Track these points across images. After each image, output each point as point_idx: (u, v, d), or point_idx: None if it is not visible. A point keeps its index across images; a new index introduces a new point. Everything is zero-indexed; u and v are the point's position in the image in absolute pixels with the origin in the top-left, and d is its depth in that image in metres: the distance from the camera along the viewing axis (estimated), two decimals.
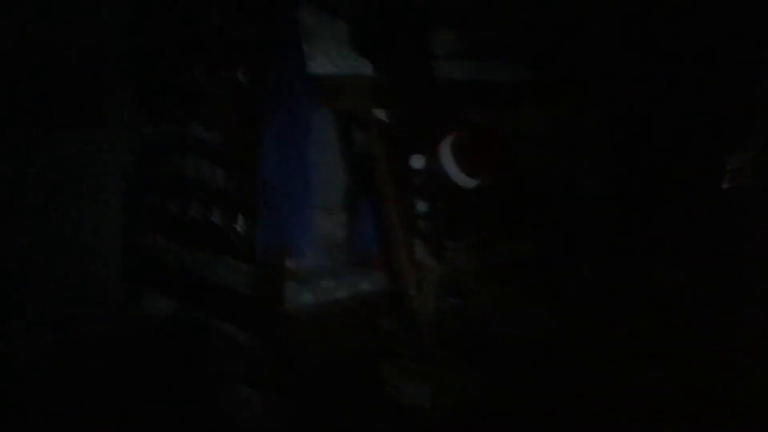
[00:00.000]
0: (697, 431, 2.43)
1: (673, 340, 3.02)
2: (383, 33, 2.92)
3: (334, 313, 2.86)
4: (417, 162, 2.73)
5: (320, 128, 3.24)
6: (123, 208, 3.25)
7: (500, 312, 3.10)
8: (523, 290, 3.26)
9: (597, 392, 2.67)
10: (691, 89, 3.49)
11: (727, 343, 2.86)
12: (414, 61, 3.04)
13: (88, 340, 2.95)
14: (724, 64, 3.35)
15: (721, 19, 3.32)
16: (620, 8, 3.64)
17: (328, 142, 3.43)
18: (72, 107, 3.10)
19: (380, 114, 3.01)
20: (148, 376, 2.72)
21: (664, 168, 3.61)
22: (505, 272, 3.25)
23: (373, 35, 2.88)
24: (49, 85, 3.03)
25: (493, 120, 3.55)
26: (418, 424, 2.61)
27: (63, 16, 3.03)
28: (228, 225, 2.83)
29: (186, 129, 3.10)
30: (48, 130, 3.05)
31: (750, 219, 3.22)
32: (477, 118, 2.90)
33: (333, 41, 2.79)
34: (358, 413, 2.61)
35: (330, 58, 2.78)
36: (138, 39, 3.21)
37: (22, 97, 2.97)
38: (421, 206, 2.90)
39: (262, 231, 2.63)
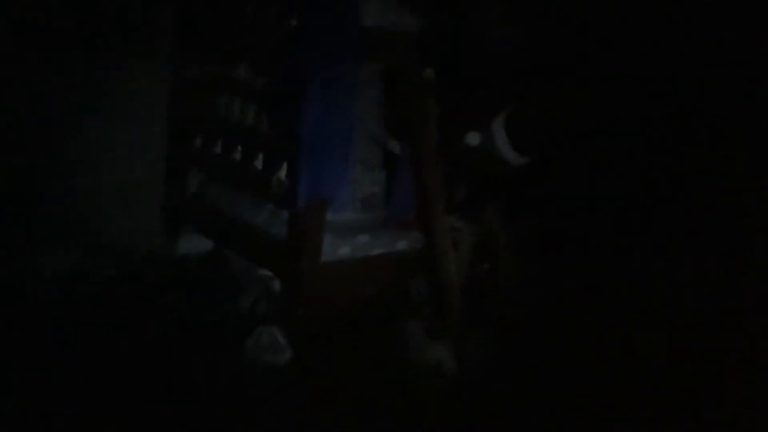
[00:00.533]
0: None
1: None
2: None
3: (368, 269, 2.90)
4: (473, 139, 2.70)
5: (365, 82, 3.26)
6: (166, 143, 3.27)
7: (526, 283, 3.13)
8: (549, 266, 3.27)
9: (611, 367, 2.72)
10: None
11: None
12: (464, 23, 3.00)
13: (124, 272, 3.03)
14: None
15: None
16: None
17: (372, 97, 3.43)
18: (121, 35, 3.10)
19: (428, 74, 2.99)
20: (179, 312, 2.80)
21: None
22: (534, 245, 3.25)
23: None
24: (99, 10, 3.02)
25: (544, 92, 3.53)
26: (441, 383, 2.67)
27: None
28: (270, 172, 2.85)
29: (233, 71, 3.10)
30: (95, 56, 3.05)
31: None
32: (528, 92, 2.83)
33: None
34: (381, 369, 2.68)
35: (382, 12, 2.75)
36: None
37: (73, 19, 2.97)
38: (461, 173, 2.90)
39: (303, 181, 2.65)
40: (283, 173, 2.82)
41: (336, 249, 2.80)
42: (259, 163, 2.93)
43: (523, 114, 2.57)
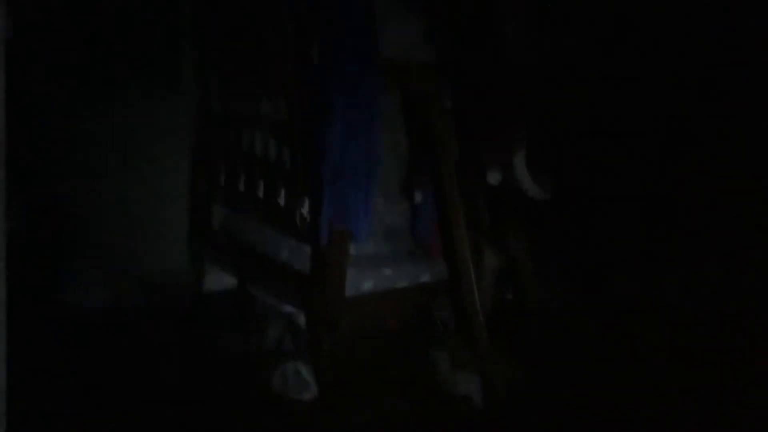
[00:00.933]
0: None
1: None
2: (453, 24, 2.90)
3: (392, 302, 2.90)
4: (493, 178, 2.70)
5: (386, 114, 3.27)
6: (191, 181, 3.32)
7: (552, 308, 3.09)
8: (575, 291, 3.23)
9: (642, 388, 2.66)
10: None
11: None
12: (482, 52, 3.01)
13: (151, 307, 3.07)
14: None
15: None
16: None
17: (393, 128, 3.45)
18: (147, 73, 3.17)
19: (447, 102, 3.01)
20: (206, 346, 2.82)
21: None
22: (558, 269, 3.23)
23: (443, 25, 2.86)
24: (124, 48, 3.10)
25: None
26: (469, 413, 2.64)
27: None
28: (293, 206, 2.87)
29: (255, 107, 3.15)
30: (121, 94, 3.12)
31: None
32: (548, 125, 2.84)
33: (403, 25, 2.78)
34: (410, 400, 2.66)
35: (400, 43, 2.77)
36: (211, 16, 3.24)
37: (100, 58, 3.04)
38: (483, 203, 2.89)
39: (326, 215, 2.66)
40: (305, 208, 2.84)
41: (360, 283, 2.80)
42: (282, 198, 2.95)
43: (544, 149, 2.57)
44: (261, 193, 3.01)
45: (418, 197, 3.18)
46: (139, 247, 3.22)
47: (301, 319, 2.88)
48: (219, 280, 3.25)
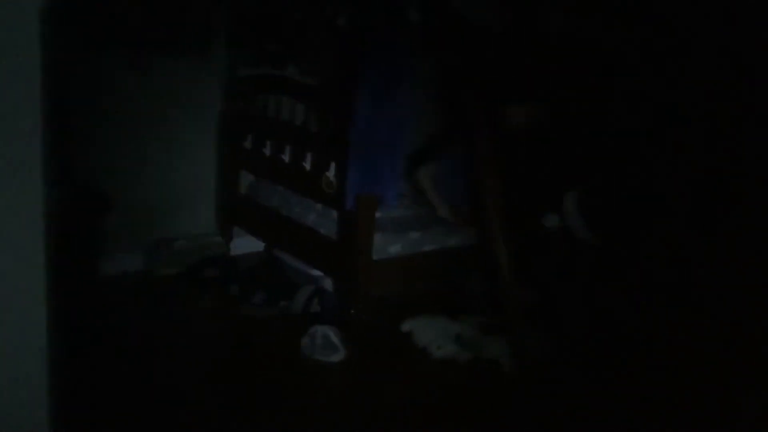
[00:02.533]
0: None
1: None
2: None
3: (420, 266, 2.88)
4: (551, 221, 2.64)
5: (416, 78, 3.22)
6: (218, 144, 3.32)
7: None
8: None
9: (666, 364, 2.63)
10: None
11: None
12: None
13: (182, 272, 3.10)
14: None
15: None
16: None
17: (421, 93, 3.39)
18: (178, 37, 3.15)
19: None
20: (235, 310, 2.85)
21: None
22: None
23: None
24: (160, 15, 3.08)
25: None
26: (495, 378, 2.63)
27: None
28: (319, 171, 2.86)
29: (283, 71, 3.12)
30: (154, 57, 3.10)
31: None
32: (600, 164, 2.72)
33: None
34: (436, 363, 2.66)
35: (433, 8, 2.72)
36: None
37: (132, 22, 3.03)
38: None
39: (353, 179, 2.64)
40: (332, 172, 2.82)
41: (387, 247, 2.79)
42: (308, 163, 2.94)
43: (597, 192, 2.50)
44: (287, 158, 3.00)
45: (446, 164, 3.12)
46: (169, 213, 3.24)
47: (329, 283, 2.89)
48: (247, 244, 3.27)
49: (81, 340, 2.35)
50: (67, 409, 1.38)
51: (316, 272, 2.96)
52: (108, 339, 2.55)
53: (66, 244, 1.61)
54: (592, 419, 2.36)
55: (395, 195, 2.72)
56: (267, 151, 3.13)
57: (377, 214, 2.75)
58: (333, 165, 2.78)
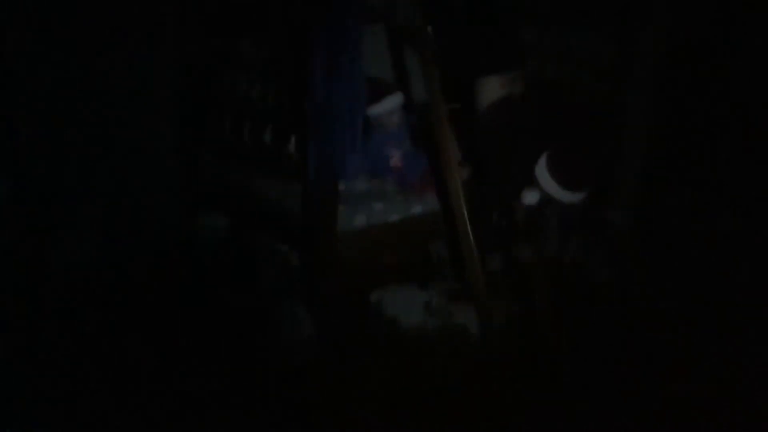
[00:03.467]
0: None
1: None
2: None
3: (386, 236, 2.88)
4: (531, 197, 2.59)
5: (373, 48, 3.18)
6: (177, 125, 3.25)
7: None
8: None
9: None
10: None
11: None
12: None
13: (143, 253, 3.06)
14: None
15: None
16: None
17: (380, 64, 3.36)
18: (117, 19, 3.06)
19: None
20: (200, 291, 2.83)
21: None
22: None
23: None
24: None
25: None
26: (465, 345, 2.66)
27: None
28: (279, 145, 2.83)
29: (235, 46, 3.06)
30: (96, 43, 3.02)
31: None
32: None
33: None
34: (406, 333, 2.68)
35: None
36: None
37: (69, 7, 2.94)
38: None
39: (313, 152, 2.62)
40: (292, 146, 2.79)
41: (351, 218, 2.78)
42: (267, 137, 2.90)
43: (562, 153, 2.45)
44: (246, 134, 2.96)
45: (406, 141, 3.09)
46: (129, 198, 3.18)
47: (295, 258, 2.88)
48: (212, 221, 3.23)
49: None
50: None
51: (283, 248, 2.95)
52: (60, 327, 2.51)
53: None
54: (558, 388, 2.39)
55: (356, 167, 2.70)
56: (227, 128, 3.08)
57: (340, 186, 2.74)
58: (293, 139, 2.75)
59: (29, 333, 2.47)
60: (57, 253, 2.91)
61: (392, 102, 3.04)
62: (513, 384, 2.40)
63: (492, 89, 2.73)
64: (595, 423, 2.25)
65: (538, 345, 2.63)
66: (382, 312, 2.76)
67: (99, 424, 2.11)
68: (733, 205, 3.46)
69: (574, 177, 2.45)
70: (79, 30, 2.94)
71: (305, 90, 2.59)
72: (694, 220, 3.51)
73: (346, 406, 2.26)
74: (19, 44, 2.83)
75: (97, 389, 2.23)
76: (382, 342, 2.62)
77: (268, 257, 2.93)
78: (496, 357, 2.56)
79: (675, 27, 3.53)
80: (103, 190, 3.08)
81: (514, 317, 2.78)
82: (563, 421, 2.24)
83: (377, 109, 2.98)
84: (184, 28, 3.15)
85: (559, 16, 3.44)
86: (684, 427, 2.24)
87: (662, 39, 3.55)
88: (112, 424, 2.11)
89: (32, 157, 2.92)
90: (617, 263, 3.31)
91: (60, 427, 2.09)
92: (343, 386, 2.35)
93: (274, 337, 2.53)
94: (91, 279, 2.86)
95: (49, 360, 2.35)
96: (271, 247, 2.95)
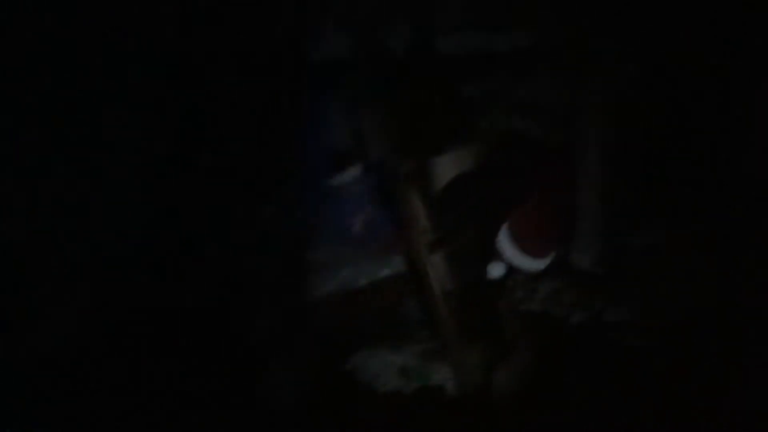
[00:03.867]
0: None
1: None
2: None
3: (355, 301, 2.88)
4: (497, 270, 2.60)
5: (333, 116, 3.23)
6: (140, 195, 3.21)
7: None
8: None
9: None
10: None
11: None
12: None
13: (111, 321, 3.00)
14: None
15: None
16: None
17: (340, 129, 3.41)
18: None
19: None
20: (171, 363, 2.77)
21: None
22: None
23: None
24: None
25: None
26: (443, 404, 2.64)
27: None
28: (252, 214, 2.82)
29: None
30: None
31: None
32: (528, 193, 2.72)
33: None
34: (384, 398, 2.65)
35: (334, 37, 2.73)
36: None
37: None
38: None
39: (285, 220, 2.62)
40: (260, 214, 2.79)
41: (320, 286, 2.77)
42: (237, 207, 2.90)
43: (525, 219, 2.46)
44: (213, 203, 2.95)
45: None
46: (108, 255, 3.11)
47: (265, 327, 2.85)
48: (179, 293, 3.18)
49: None
50: None
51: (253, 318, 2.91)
52: None
53: None
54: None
55: (322, 233, 2.70)
56: (193, 198, 3.06)
57: (309, 252, 2.74)
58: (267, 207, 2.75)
59: None
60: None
61: (353, 172, 3.07)
62: None
63: (445, 169, 2.74)
64: None
65: (518, 396, 2.63)
66: (357, 378, 2.74)
67: None
68: (697, 240, 3.55)
69: (537, 244, 2.44)
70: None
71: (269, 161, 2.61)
72: (661, 257, 3.59)
73: None
74: None
75: None
76: (358, 409, 2.60)
77: (237, 326, 2.89)
78: (477, 414, 2.54)
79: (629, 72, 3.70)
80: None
81: (492, 372, 2.79)
82: None
83: (338, 180, 3.01)
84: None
85: (514, 68, 3.54)
86: None
87: (614, 87, 3.71)
88: None
89: None
90: (588, 306, 3.37)
91: None
92: None
93: (246, 402, 2.48)
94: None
95: None
96: (241, 316, 2.92)
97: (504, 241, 2.43)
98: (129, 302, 3.13)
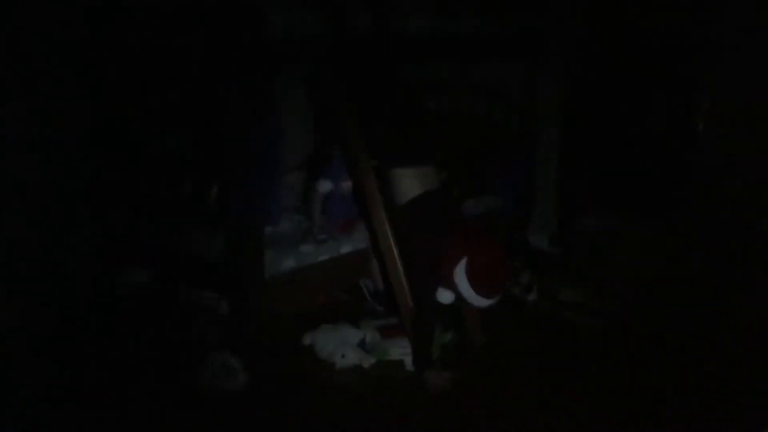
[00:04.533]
0: None
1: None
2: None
3: (315, 277, 2.87)
4: (445, 297, 2.62)
5: (289, 92, 3.23)
6: (86, 178, 3.16)
7: None
8: None
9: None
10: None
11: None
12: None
13: (65, 313, 2.94)
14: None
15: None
16: None
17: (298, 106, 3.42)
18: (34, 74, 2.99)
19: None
20: (126, 348, 2.73)
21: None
22: None
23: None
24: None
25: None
26: (401, 379, 2.66)
27: None
28: (201, 195, 2.80)
29: (148, 98, 3.03)
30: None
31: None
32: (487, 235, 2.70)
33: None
34: (341, 372, 2.66)
35: (292, 21, 2.72)
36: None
37: None
38: None
39: (234, 199, 2.60)
40: (213, 194, 2.77)
41: (279, 263, 2.76)
42: (188, 187, 2.88)
43: (480, 261, 2.49)
44: (166, 186, 2.93)
45: (325, 186, 3.12)
46: (43, 259, 3.05)
47: (224, 307, 2.83)
48: (134, 276, 3.13)
49: None
50: None
51: (211, 298, 2.89)
52: None
53: None
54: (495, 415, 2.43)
55: (277, 212, 2.70)
56: (145, 181, 3.03)
57: (266, 231, 2.73)
58: (214, 188, 2.74)
59: None
60: None
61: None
62: (451, 416, 2.41)
63: (409, 185, 2.75)
64: None
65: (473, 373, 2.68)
66: (316, 353, 2.75)
67: None
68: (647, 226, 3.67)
69: (491, 285, 2.53)
70: None
71: (220, 141, 2.59)
72: (612, 237, 3.70)
73: None
74: None
75: None
76: (317, 383, 2.60)
77: (195, 308, 2.87)
78: (433, 390, 2.57)
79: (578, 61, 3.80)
80: (8, 248, 2.95)
81: (449, 348, 2.83)
82: None
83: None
84: (95, 77, 3.12)
85: (473, 54, 3.59)
86: None
87: (564, 71, 3.81)
88: None
89: None
90: (546, 284, 3.45)
91: None
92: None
93: (206, 388, 2.46)
94: (10, 344, 2.72)
95: None
96: (198, 298, 2.90)
97: (461, 275, 2.51)
98: (74, 290, 3.10)
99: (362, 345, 2.78)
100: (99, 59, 3.04)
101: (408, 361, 2.71)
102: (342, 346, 2.74)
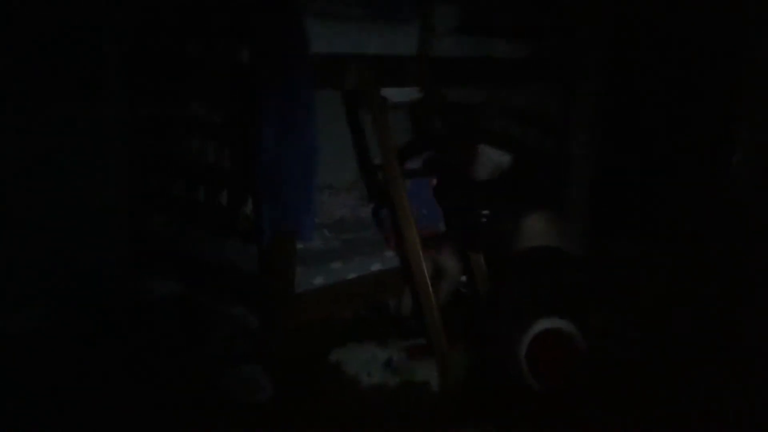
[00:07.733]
0: None
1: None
2: None
3: (344, 294, 2.88)
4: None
5: (329, 108, 3.25)
6: (127, 190, 3.22)
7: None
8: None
9: None
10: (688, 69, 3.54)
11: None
12: None
13: (94, 322, 2.98)
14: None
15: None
16: None
17: (338, 122, 3.43)
18: (72, 80, 3.05)
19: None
20: (154, 357, 2.76)
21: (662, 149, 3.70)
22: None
23: None
24: (48, 55, 2.97)
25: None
26: (427, 400, 2.65)
27: None
28: (235, 207, 2.82)
29: (187, 109, 3.07)
30: (47, 104, 2.97)
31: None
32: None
33: (337, 19, 2.75)
34: (367, 391, 2.66)
35: (332, 37, 2.73)
36: (134, 13, 3.13)
37: (22, 67, 2.91)
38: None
39: (267, 213, 2.61)
40: (249, 208, 2.79)
41: (309, 279, 2.77)
42: (223, 200, 2.90)
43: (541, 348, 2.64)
44: (201, 197, 2.95)
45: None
46: (73, 262, 3.10)
47: (252, 321, 2.84)
48: (163, 286, 3.17)
49: None
50: None
51: (239, 310, 2.91)
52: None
53: None
54: None
55: (312, 227, 2.70)
56: (180, 191, 3.06)
57: (297, 246, 2.74)
58: (250, 200, 2.75)
59: None
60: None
61: None
62: None
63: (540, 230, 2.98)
64: None
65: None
66: (342, 371, 2.75)
67: None
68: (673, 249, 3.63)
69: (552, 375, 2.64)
70: (26, 83, 2.92)
71: (254, 153, 2.60)
72: (643, 262, 3.66)
73: None
74: None
75: None
76: (341, 400, 2.60)
77: (224, 321, 2.89)
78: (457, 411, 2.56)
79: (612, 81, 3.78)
80: (43, 252, 3.01)
81: (474, 369, 2.81)
82: None
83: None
84: (135, 88, 3.18)
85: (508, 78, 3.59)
86: None
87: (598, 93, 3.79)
88: None
89: None
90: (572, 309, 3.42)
91: None
92: None
93: (231, 401, 2.47)
94: (32, 347, 2.76)
95: None
96: (227, 310, 2.92)
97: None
98: (103, 296, 3.14)
99: (389, 364, 2.78)
100: (140, 67, 3.11)
101: (434, 383, 2.70)
102: (368, 364, 2.74)
